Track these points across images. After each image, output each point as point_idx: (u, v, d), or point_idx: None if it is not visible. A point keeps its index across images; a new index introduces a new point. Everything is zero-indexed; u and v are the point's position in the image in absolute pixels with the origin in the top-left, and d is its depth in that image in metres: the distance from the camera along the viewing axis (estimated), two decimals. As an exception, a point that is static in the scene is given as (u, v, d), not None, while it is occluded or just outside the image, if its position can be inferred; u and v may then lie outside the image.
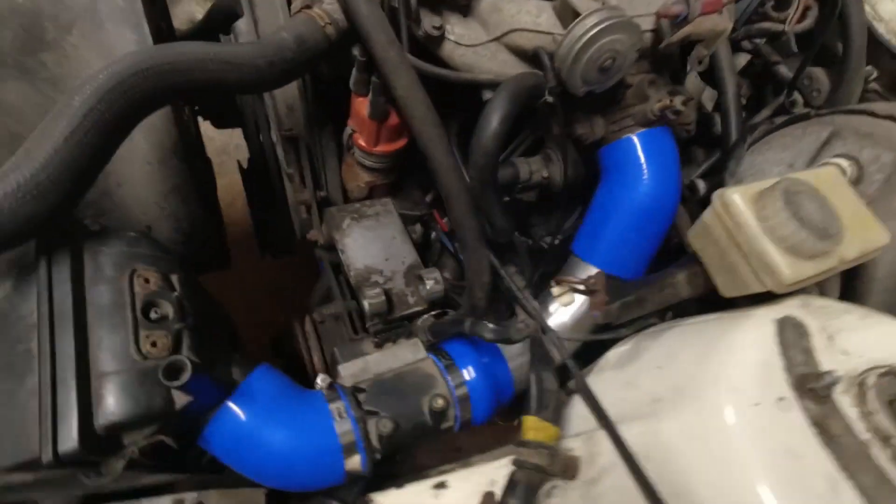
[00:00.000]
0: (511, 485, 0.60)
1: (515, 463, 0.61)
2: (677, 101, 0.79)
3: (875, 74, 0.93)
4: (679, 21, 0.75)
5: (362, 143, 0.97)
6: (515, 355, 0.87)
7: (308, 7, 0.82)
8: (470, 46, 0.83)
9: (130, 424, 0.57)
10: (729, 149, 0.94)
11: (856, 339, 0.53)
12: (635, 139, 0.86)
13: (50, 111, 0.60)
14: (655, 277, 0.65)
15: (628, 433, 0.55)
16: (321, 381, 0.78)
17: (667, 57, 0.85)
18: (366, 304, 0.88)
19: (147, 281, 0.63)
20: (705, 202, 1.04)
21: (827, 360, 0.51)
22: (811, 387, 0.47)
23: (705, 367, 0.53)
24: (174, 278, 0.66)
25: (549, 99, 0.76)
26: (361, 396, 0.76)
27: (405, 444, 0.78)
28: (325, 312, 1.04)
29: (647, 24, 0.78)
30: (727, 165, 0.88)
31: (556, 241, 1.12)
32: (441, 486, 0.70)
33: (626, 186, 0.87)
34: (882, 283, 0.72)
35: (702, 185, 0.97)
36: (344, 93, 0.99)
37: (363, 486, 0.77)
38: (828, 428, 0.46)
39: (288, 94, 0.95)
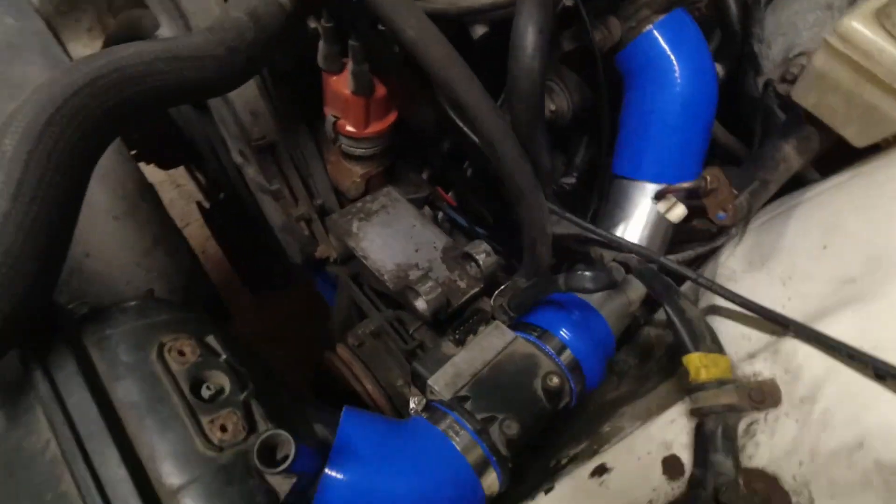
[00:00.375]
0: (705, 438, 0.50)
1: (696, 412, 0.51)
2: (696, -28, 0.70)
3: None
4: None
5: (350, 128, 0.83)
6: (601, 302, 0.77)
7: (249, -23, 0.67)
8: (451, -25, 0.71)
9: (234, 540, 0.42)
10: (736, 20, 0.87)
11: None
12: (656, 32, 0.77)
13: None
14: (759, 156, 0.56)
15: (831, 331, 0.46)
16: (415, 403, 0.65)
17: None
18: (421, 303, 0.75)
19: (182, 353, 0.48)
20: (726, 87, 0.98)
21: None
22: None
23: (900, 222, 0.44)
24: (212, 339, 0.51)
25: (568, 2, 0.66)
26: (468, 405, 0.63)
27: (529, 440, 0.67)
28: (362, 333, 0.90)
29: None
30: (751, 32, 0.80)
31: (573, 180, 1.04)
32: (601, 470, 0.59)
33: (660, 85, 0.78)
34: None
35: (719, 69, 0.89)
36: (307, 82, 0.85)
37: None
38: None
39: (248, 98, 0.79)
